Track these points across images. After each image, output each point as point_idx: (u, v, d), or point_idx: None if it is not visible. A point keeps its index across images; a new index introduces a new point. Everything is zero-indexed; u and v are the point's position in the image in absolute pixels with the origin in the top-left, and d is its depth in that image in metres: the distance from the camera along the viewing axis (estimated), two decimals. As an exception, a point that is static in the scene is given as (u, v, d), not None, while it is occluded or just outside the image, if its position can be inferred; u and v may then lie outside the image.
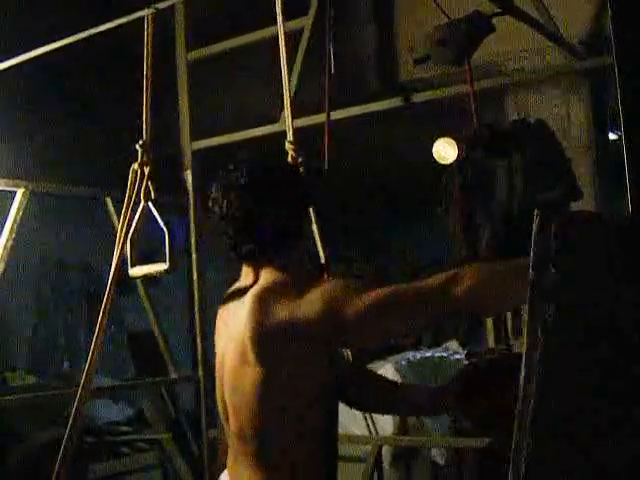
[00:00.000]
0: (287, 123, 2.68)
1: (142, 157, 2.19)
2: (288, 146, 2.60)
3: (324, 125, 3.17)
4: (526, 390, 1.36)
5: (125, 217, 2.05)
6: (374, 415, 4.00)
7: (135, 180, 2.14)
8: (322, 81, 3.21)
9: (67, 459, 1.77)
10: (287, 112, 2.67)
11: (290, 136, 2.63)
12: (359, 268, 8.12)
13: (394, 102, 3.41)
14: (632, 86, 1.45)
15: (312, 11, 3.52)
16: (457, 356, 4.81)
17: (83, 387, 1.80)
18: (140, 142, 2.21)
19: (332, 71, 3.20)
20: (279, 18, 2.51)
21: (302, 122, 3.40)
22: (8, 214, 3.65)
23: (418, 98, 3.40)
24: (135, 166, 2.18)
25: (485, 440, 3.11)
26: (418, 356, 4.76)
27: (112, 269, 1.96)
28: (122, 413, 5.96)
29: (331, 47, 3.15)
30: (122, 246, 1.97)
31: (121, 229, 2.02)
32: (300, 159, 2.49)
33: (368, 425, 4.02)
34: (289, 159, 2.52)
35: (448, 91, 3.23)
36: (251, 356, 1.78)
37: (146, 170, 2.15)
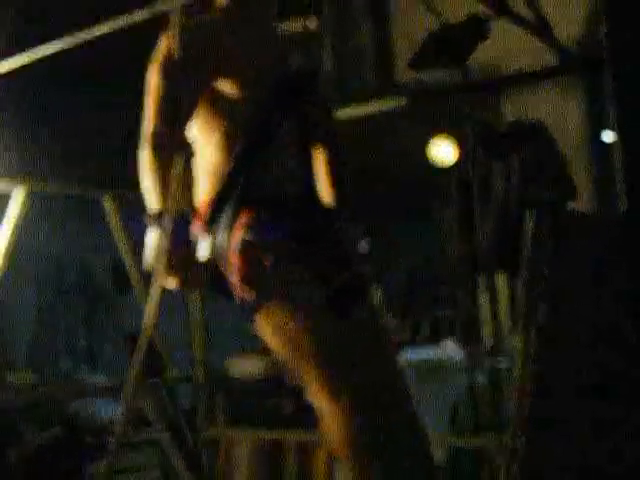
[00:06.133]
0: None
1: None
2: None
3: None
4: (522, 389, 1.36)
5: None
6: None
7: None
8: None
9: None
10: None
11: None
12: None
13: (393, 102, 3.42)
14: (626, 87, 1.47)
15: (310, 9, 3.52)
16: (456, 358, 4.79)
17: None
18: None
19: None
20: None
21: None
22: (7, 214, 3.65)
23: (416, 98, 3.40)
24: None
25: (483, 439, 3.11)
26: (417, 357, 4.77)
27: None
28: (121, 413, 5.94)
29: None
30: None
31: None
32: None
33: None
34: None
35: (445, 92, 3.23)
36: None
37: None
